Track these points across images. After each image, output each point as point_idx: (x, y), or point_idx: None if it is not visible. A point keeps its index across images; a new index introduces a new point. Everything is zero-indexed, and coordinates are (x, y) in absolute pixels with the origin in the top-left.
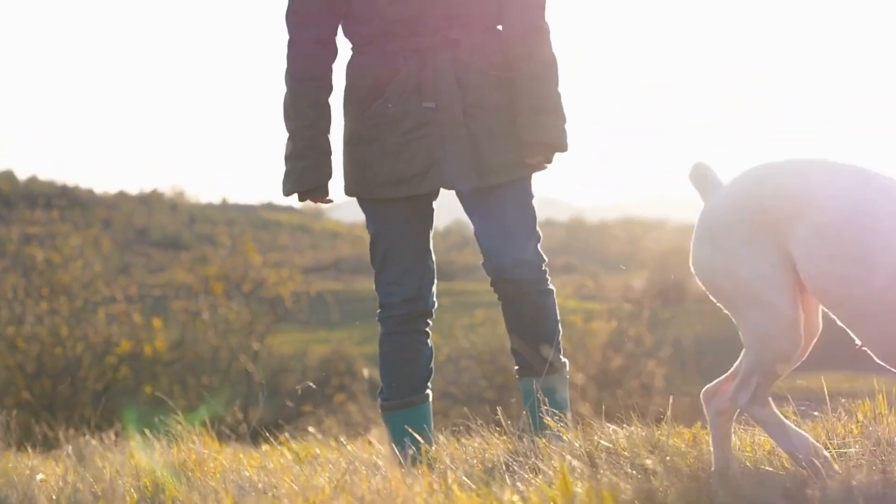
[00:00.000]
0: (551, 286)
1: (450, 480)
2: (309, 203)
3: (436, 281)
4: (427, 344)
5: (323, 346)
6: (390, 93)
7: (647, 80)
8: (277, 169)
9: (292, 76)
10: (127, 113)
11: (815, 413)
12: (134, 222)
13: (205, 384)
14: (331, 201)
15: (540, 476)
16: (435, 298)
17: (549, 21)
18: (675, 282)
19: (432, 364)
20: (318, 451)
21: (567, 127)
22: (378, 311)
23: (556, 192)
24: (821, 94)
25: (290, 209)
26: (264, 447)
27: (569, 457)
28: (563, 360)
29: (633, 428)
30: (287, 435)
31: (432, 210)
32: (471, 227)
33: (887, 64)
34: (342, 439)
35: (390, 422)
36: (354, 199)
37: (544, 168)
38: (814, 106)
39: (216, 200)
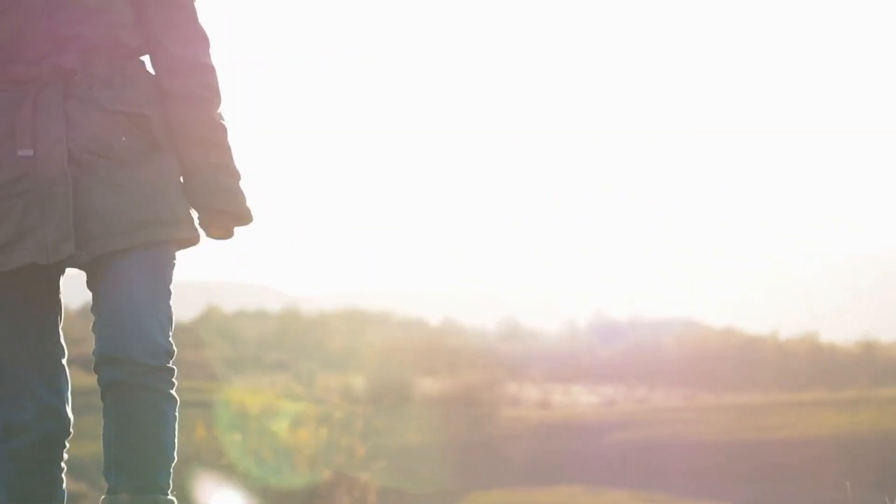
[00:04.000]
0: (176, 394)
1: None
2: None
3: (70, 386)
4: (62, 480)
5: None
6: None
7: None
8: None
9: None
10: None
11: None
12: None
13: None
14: None
15: None
16: (70, 413)
17: (214, 60)
18: (397, 383)
19: None
20: None
21: (244, 187)
22: None
23: (267, 277)
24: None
25: None
26: None
27: None
28: (172, 497)
29: None
30: None
31: (57, 290)
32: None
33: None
34: None
35: None
36: None
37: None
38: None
39: None
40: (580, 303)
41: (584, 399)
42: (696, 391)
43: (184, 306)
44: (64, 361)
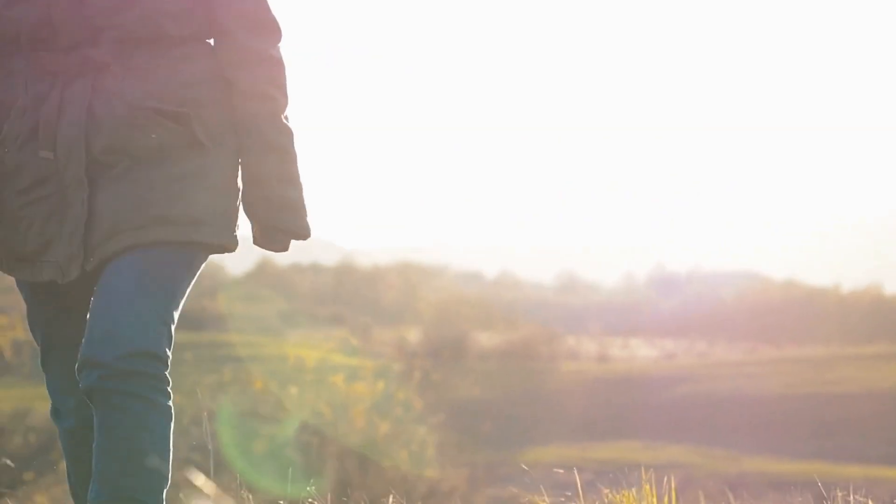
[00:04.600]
0: (171, 404)
1: None
2: None
3: None
4: None
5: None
6: (7, 133)
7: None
8: None
9: None
10: None
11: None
12: None
13: None
14: None
15: None
16: None
17: (282, 54)
18: (453, 336)
19: None
20: None
21: (305, 196)
22: (50, 409)
23: (322, 230)
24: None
25: None
26: None
27: None
28: None
29: None
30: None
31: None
32: (224, 269)
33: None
34: None
35: None
36: None
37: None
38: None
39: None
40: (638, 255)
41: (642, 353)
42: (756, 345)
43: (237, 260)
44: None
